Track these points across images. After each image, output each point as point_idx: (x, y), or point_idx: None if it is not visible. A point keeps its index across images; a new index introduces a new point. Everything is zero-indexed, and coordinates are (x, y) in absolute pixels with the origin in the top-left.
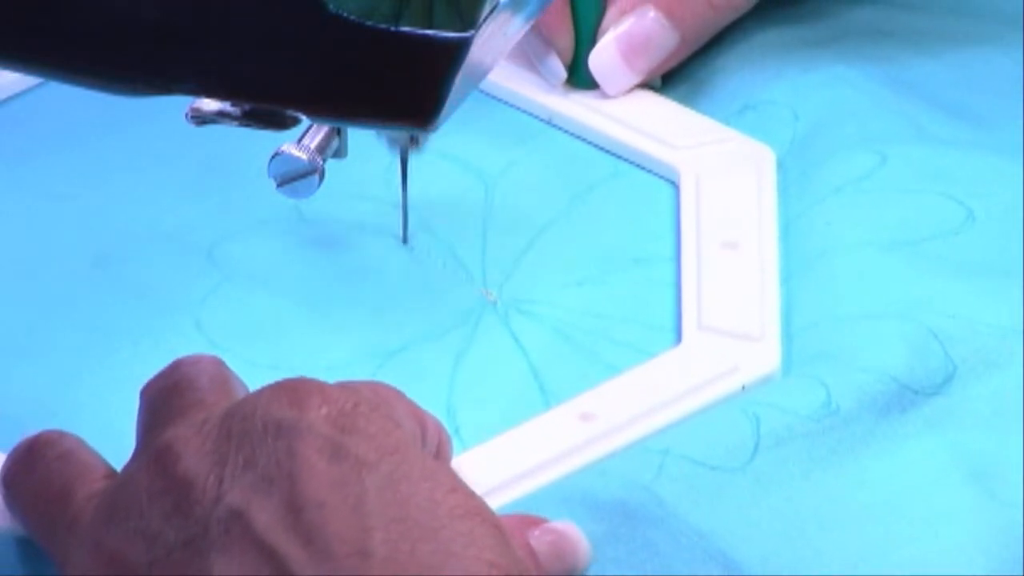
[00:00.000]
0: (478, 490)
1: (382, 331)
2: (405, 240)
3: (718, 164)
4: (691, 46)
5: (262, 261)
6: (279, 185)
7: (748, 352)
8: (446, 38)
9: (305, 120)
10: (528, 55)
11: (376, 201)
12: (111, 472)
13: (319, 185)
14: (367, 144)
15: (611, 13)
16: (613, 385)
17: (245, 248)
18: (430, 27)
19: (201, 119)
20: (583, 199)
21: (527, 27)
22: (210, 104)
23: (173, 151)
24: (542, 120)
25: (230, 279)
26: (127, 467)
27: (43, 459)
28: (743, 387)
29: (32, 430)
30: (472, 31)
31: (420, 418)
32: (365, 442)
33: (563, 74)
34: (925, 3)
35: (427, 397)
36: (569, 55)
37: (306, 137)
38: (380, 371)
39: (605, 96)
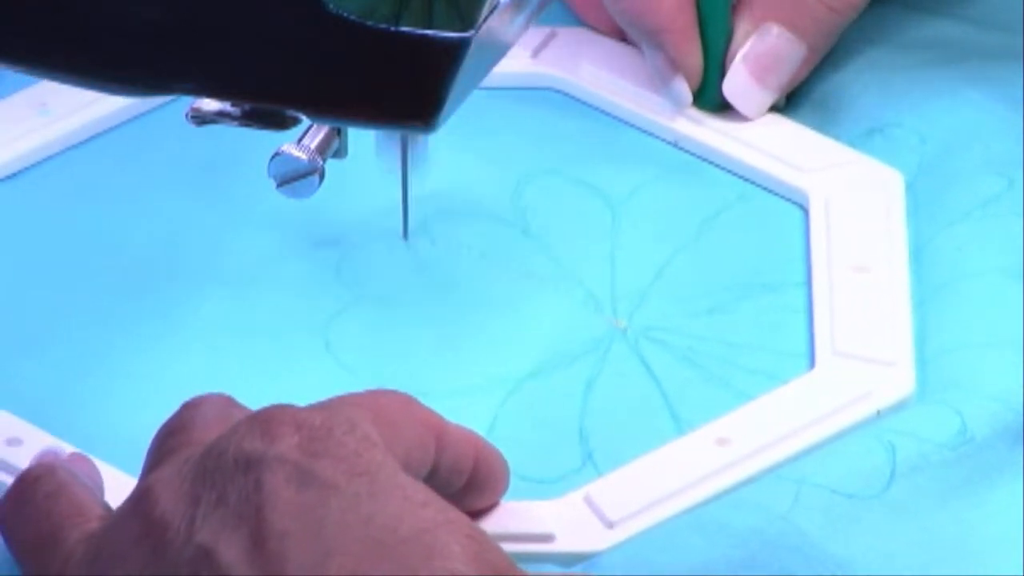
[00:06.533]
0: (615, 515)
1: (512, 357)
2: (405, 236)
3: (847, 188)
4: (819, 53)
5: (390, 283)
6: (279, 185)
7: (883, 377)
8: (446, 38)
9: (305, 120)
10: (653, 77)
11: (502, 223)
12: (105, 512)
13: (319, 185)
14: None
15: (738, 35)
16: (748, 410)
17: (372, 269)
18: (430, 27)
19: (201, 119)
20: (711, 224)
21: (528, 27)
22: (210, 104)
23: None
24: (668, 143)
25: (358, 301)
26: (118, 509)
27: (32, 498)
28: (878, 412)
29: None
30: (472, 31)
31: (437, 431)
32: (334, 465)
33: (689, 98)
34: None
35: (559, 423)
36: (697, 78)
37: (306, 137)
38: (511, 397)
39: (732, 118)
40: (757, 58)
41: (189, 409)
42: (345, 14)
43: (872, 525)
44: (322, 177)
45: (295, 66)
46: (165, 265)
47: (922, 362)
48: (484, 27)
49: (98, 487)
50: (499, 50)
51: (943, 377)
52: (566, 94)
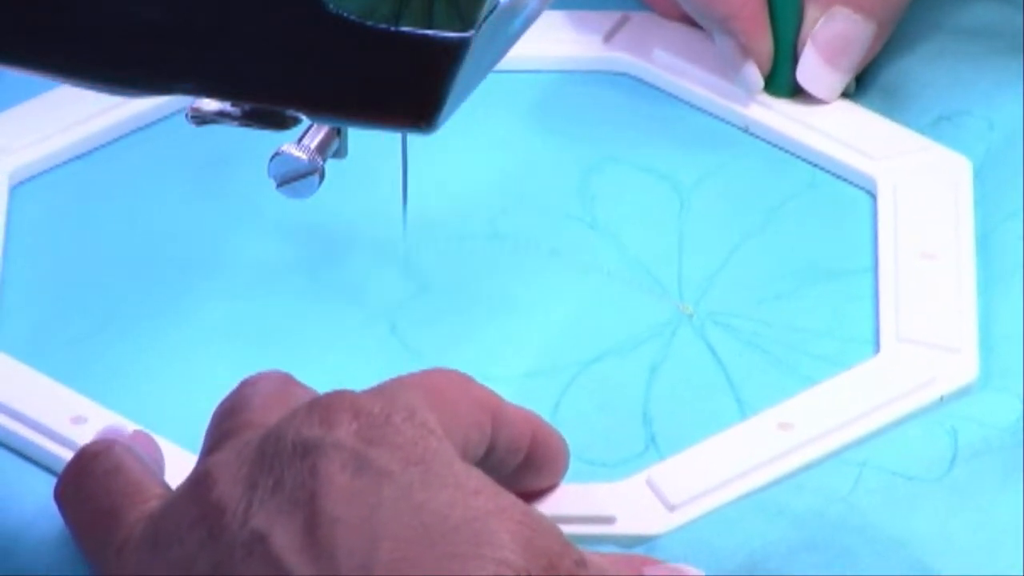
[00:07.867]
0: (676, 499)
1: (577, 342)
2: (404, 238)
3: (915, 174)
4: (889, 27)
5: (459, 269)
6: (279, 185)
7: (946, 363)
8: (446, 38)
9: (305, 120)
10: (724, 63)
11: (570, 209)
12: (163, 490)
13: (319, 185)
14: (375, 144)
15: (807, 21)
16: (811, 395)
17: (442, 257)
18: (430, 27)
19: (201, 119)
20: (779, 210)
21: (528, 27)
22: (210, 104)
23: None
24: (738, 128)
25: (425, 289)
26: (177, 489)
27: (92, 475)
28: (941, 398)
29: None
30: (472, 31)
31: (493, 409)
32: (390, 453)
33: (760, 84)
34: None
35: (623, 406)
36: (767, 64)
37: (306, 137)
38: (576, 381)
39: (802, 104)
40: (828, 42)
41: (247, 387)
42: (345, 14)
43: (932, 507)
44: (322, 177)
45: (295, 66)
46: (231, 251)
47: (986, 348)
48: (484, 27)
49: (159, 465)
50: (499, 50)
51: (1006, 364)
52: (637, 79)
